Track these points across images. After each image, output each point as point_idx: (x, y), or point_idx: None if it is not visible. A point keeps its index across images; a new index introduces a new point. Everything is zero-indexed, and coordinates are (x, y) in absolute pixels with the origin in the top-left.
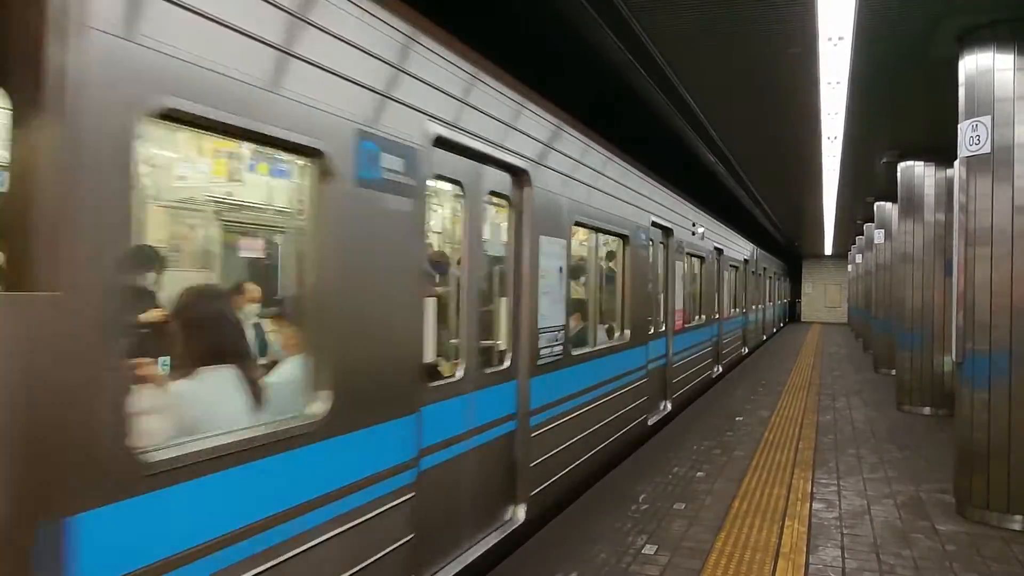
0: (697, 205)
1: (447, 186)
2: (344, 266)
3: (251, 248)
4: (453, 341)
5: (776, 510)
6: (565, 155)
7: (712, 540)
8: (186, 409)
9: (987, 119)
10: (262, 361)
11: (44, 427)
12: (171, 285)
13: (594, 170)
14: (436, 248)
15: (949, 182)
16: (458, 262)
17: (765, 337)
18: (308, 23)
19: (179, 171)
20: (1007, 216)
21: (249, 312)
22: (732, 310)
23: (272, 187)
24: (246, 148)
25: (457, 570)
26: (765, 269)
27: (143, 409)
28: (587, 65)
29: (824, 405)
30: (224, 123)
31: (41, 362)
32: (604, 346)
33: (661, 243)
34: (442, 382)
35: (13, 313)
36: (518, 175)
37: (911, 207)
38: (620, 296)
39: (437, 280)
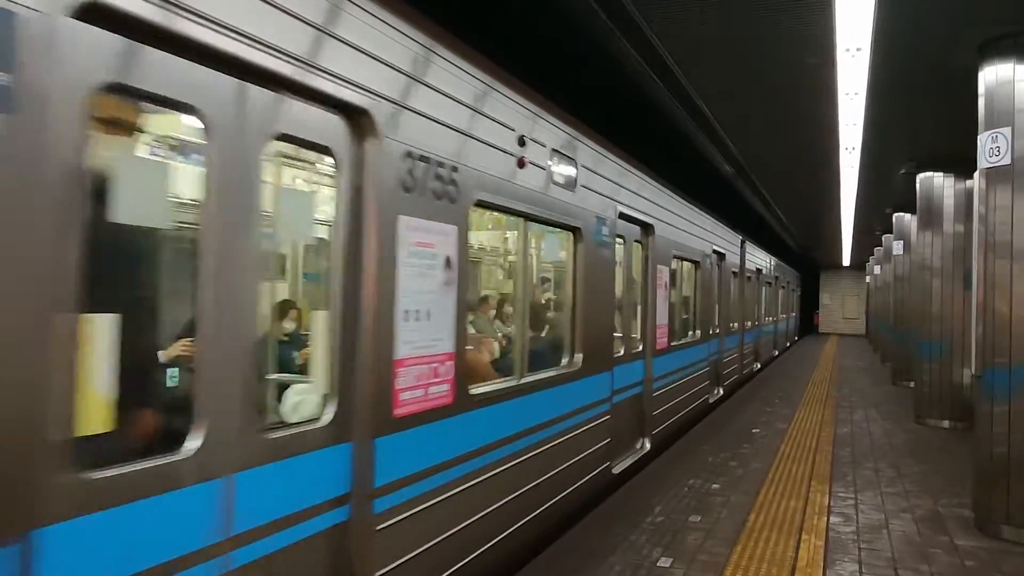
0: (729, 224)
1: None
2: (600, 286)
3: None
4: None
5: (793, 523)
6: (667, 209)
7: (728, 553)
8: None
9: (1007, 130)
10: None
11: None
12: None
13: (682, 217)
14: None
15: (969, 193)
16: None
17: (777, 352)
18: (595, 173)
19: None
20: None
21: None
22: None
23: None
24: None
25: (624, 466)
26: (783, 280)
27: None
28: (601, 72)
29: (841, 418)
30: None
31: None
32: (690, 339)
33: (717, 265)
34: (617, 354)
35: None
36: (647, 228)
37: (930, 218)
38: (692, 303)
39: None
